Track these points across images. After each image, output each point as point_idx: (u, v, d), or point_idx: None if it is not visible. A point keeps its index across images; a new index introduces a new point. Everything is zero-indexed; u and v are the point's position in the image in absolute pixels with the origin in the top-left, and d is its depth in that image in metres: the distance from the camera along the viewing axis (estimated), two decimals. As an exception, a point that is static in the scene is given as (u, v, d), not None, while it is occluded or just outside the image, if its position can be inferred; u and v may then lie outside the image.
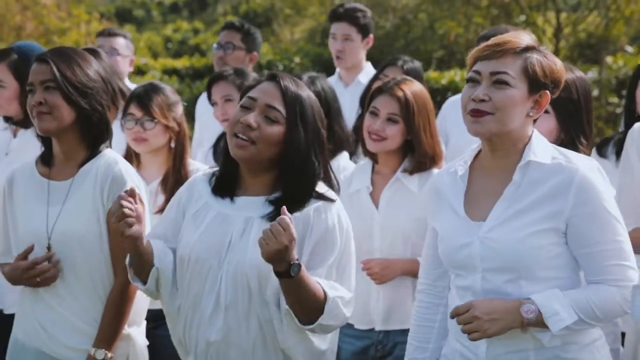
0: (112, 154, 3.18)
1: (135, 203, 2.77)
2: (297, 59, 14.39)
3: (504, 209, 2.66)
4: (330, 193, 2.83)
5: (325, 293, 2.74)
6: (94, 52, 4.71)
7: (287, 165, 2.79)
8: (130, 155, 4.03)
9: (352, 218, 2.92)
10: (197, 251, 2.81)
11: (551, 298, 2.58)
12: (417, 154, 3.67)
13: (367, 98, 3.83)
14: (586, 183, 2.61)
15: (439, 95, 10.97)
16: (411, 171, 3.70)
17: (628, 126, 3.86)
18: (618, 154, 3.89)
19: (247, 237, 2.78)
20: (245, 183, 2.86)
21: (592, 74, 12.90)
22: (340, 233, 2.81)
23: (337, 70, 5.91)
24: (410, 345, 2.96)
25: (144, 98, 3.99)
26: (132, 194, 2.75)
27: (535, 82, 2.65)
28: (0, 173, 3.71)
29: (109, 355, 3.08)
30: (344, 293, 2.81)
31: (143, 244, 2.80)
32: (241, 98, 2.89)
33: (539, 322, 2.58)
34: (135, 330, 3.21)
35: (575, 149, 3.25)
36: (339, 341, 3.65)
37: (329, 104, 4.17)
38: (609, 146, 4.03)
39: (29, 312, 3.16)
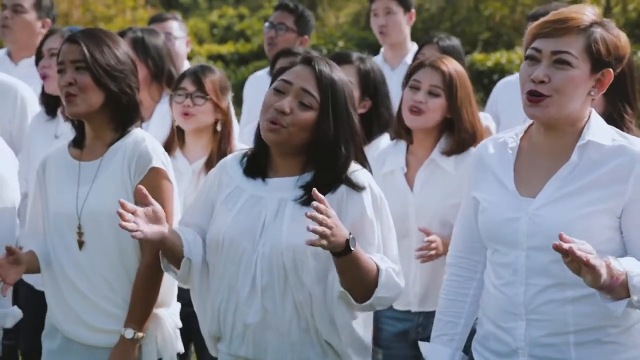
0: (140, 132, 3.16)
1: (150, 204, 2.76)
2: (341, 43, 14.34)
3: (556, 188, 2.57)
4: (360, 174, 2.80)
5: (377, 266, 2.74)
6: (151, 32, 4.70)
7: (317, 150, 2.78)
8: (174, 135, 3.99)
9: (386, 199, 2.87)
10: (230, 234, 2.81)
11: (630, 259, 2.44)
12: (458, 131, 3.57)
13: (408, 77, 3.71)
14: None
15: (485, 77, 10.84)
16: (449, 152, 3.60)
17: None
18: None
19: (281, 218, 2.77)
20: (276, 164, 2.86)
21: (642, 54, 12.68)
22: (376, 211, 2.80)
23: (382, 51, 5.80)
24: (439, 321, 2.85)
25: (199, 74, 3.96)
26: (142, 196, 2.75)
27: (599, 61, 2.53)
28: None
29: (140, 335, 3.06)
30: (394, 265, 2.81)
31: (167, 241, 2.79)
32: (273, 80, 2.86)
33: (623, 284, 2.39)
34: (164, 311, 3.17)
35: (621, 119, 3.21)
36: (379, 323, 3.62)
37: (377, 85, 4.13)
38: None
39: (57, 293, 3.14)
